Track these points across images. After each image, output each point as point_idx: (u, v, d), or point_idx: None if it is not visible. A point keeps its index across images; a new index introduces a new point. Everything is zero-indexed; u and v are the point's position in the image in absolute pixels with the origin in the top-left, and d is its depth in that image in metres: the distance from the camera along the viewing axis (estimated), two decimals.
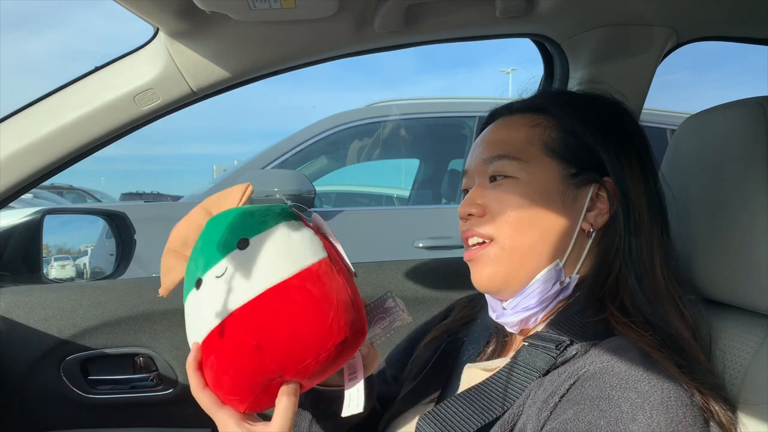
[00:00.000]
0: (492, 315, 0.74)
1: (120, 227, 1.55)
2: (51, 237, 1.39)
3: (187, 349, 1.21)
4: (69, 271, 2.00)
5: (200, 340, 0.62)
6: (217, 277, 0.62)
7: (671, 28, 1.10)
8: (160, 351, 1.23)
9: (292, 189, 2.53)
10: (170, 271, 0.72)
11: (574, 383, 0.57)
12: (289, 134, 2.96)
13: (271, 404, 0.61)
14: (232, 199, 0.68)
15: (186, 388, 1.22)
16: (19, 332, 1.17)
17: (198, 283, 0.64)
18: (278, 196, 2.52)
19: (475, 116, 2.87)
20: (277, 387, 0.60)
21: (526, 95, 0.81)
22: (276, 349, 0.58)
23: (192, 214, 0.71)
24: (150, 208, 2.77)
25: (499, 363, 0.70)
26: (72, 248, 2.16)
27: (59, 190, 6.89)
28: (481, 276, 0.71)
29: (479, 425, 0.61)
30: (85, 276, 2.55)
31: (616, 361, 0.57)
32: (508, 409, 0.61)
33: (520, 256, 0.69)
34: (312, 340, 0.58)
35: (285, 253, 0.61)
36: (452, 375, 0.79)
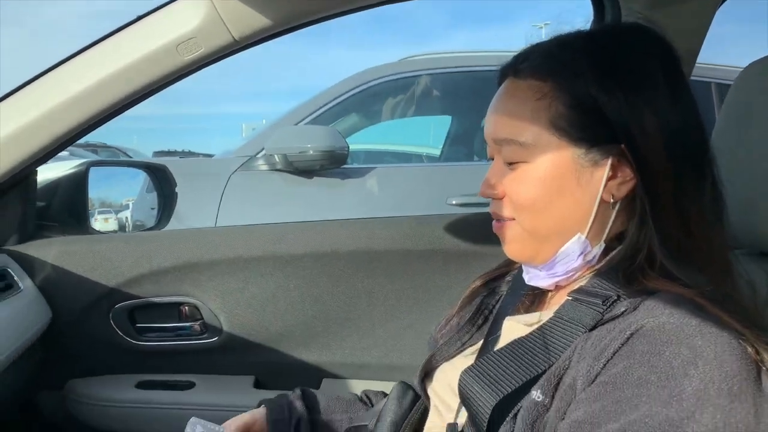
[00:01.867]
0: (525, 276, 0.74)
1: (161, 180, 1.57)
2: (94, 190, 1.42)
3: (231, 299, 1.24)
4: (111, 224, 2.04)
5: None
6: None
7: None
8: (204, 300, 1.25)
9: (325, 145, 2.52)
10: None
11: (627, 339, 0.56)
12: (317, 92, 2.93)
13: None
14: None
15: (230, 336, 1.26)
16: (70, 280, 1.21)
17: None
18: (311, 153, 2.52)
19: None
20: None
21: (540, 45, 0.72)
22: None
23: None
24: (186, 164, 2.80)
25: (540, 317, 0.69)
26: (114, 202, 2.20)
27: (94, 147, 7.00)
28: (507, 249, 0.72)
29: (524, 380, 0.60)
30: (127, 229, 2.61)
31: (668, 316, 0.56)
32: (554, 363, 0.60)
33: (541, 236, 0.68)
34: None
35: None
36: (492, 328, 0.79)
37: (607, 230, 0.68)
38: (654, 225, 0.64)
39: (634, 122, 0.64)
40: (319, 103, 2.80)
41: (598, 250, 0.68)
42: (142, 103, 1.15)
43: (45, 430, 1.32)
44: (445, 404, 0.77)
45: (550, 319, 0.65)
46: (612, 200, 0.67)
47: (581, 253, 0.67)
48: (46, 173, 1.33)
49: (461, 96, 3.16)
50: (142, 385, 1.28)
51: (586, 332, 0.60)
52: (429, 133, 3.84)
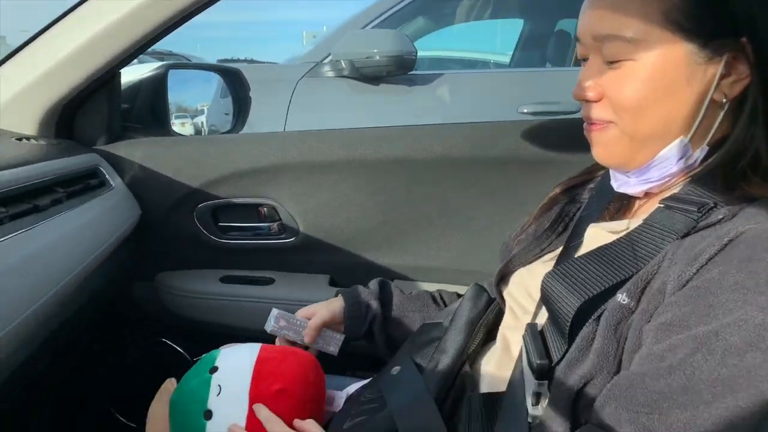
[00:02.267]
0: (613, 183, 0.72)
1: (236, 84, 1.58)
2: (171, 94, 1.45)
3: (307, 201, 1.28)
4: (188, 129, 2.10)
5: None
6: (217, 395, 0.80)
7: None
8: (282, 202, 1.29)
9: (392, 50, 2.46)
10: None
11: (724, 246, 0.55)
12: None
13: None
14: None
15: (306, 237, 1.30)
16: (156, 180, 1.26)
17: (207, 415, 0.80)
18: (378, 58, 2.47)
19: None
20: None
21: None
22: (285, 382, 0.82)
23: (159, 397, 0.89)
24: (254, 70, 2.80)
25: (628, 224, 0.68)
26: (189, 107, 2.25)
27: (160, 55, 7.08)
28: (599, 155, 0.69)
29: (610, 283, 0.60)
30: (203, 134, 2.68)
31: None
32: (642, 268, 0.60)
33: (640, 140, 0.64)
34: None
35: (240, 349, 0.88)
36: (574, 234, 0.78)
37: (712, 132, 0.64)
38: (765, 126, 0.61)
39: (763, 14, 0.60)
40: (385, 6, 2.70)
41: (700, 153, 0.65)
42: (205, 10, 1.15)
43: (139, 317, 1.43)
44: (521, 307, 0.78)
45: (640, 226, 0.64)
46: (724, 100, 0.63)
47: (681, 158, 0.64)
48: (128, 76, 1.37)
49: None
50: (226, 280, 1.36)
51: (678, 239, 0.59)
52: (498, 38, 3.67)
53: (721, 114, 0.63)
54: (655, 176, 0.66)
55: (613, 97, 0.64)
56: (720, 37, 0.61)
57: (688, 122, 0.63)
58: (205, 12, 1.15)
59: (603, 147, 0.68)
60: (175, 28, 1.16)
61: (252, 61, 5.18)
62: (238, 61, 5.14)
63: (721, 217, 0.58)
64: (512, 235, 0.90)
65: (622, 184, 0.70)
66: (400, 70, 2.50)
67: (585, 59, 0.69)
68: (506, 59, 3.29)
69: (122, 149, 1.26)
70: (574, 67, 2.62)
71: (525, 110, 2.46)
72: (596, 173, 0.85)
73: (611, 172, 0.73)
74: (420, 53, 2.56)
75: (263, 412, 0.77)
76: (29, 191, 0.91)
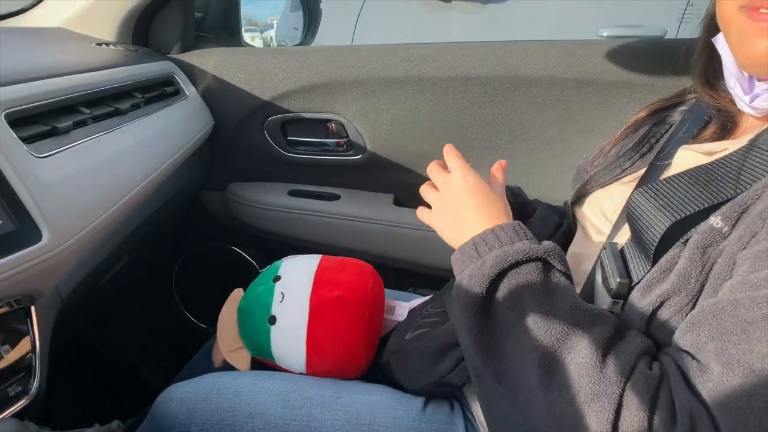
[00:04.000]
0: (741, 96, 0.64)
1: None
2: (241, 7, 1.44)
3: (375, 118, 1.26)
4: (257, 43, 2.09)
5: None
6: (280, 302, 0.85)
7: None
8: (350, 119, 1.28)
9: None
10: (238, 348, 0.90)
11: None
12: None
13: None
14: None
15: (373, 155, 1.30)
16: (228, 91, 1.28)
17: (272, 320, 0.84)
18: None
19: None
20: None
21: None
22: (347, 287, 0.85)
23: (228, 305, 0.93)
24: None
25: (727, 145, 0.63)
26: (259, 21, 2.23)
27: None
28: None
29: (705, 205, 0.56)
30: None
31: None
32: (743, 191, 0.55)
33: None
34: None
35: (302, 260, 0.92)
36: (660, 155, 0.74)
37: None
38: None
39: None
40: None
41: None
42: None
43: (210, 222, 1.49)
44: (594, 227, 0.76)
45: (744, 147, 0.59)
46: None
47: None
48: None
49: None
50: (293, 193, 1.39)
51: None
52: None
53: None
54: None
55: None
56: None
57: None
58: None
59: None
60: None
61: None
62: None
63: None
64: (589, 158, 0.86)
65: (754, 96, 0.62)
66: None
67: None
68: None
69: (195, 58, 1.27)
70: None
71: (605, 34, 2.33)
72: (687, 97, 0.80)
73: (742, 85, 0.63)
74: None
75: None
76: (110, 95, 0.94)
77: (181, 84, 1.22)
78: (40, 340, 0.71)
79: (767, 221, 0.52)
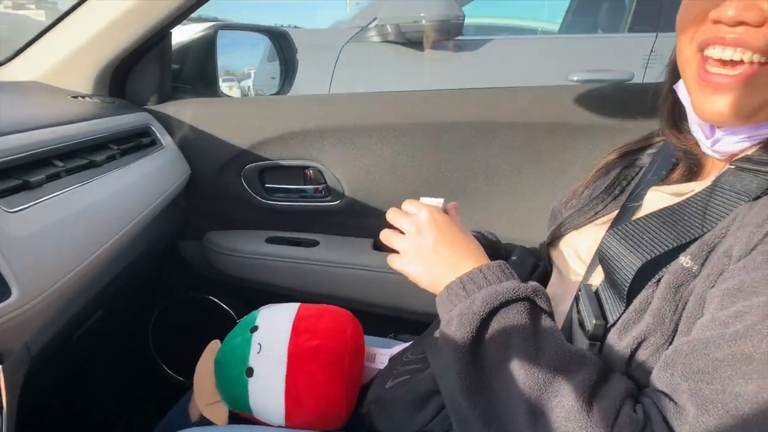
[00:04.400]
0: (703, 141, 0.65)
1: (283, 46, 1.58)
2: (219, 57, 1.46)
3: (352, 164, 1.28)
4: (235, 93, 2.12)
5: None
6: (258, 353, 0.83)
7: None
8: (328, 165, 1.29)
9: (439, 14, 2.42)
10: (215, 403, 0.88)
11: None
12: None
13: None
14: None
15: (351, 201, 1.31)
16: (205, 141, 1.28)
17: (249, 372, 0.82)
18: (425, 23, 2.43)
19: None
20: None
21: None
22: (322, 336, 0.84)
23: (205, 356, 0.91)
24: (300, 35, 2.79)
25: (694, 186, 0.65)
26: (236, 71, 2.27)
27: (205, 21, 7.16)
28: (723, 107, 0.57)
29: (674, 245, 0.58)
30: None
31: None
32: (709, 230, 0.57)
33: None
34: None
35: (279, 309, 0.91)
36: (631, 198, 0.75)
37: None
38: None
39: None
40: None
41: None
42: None
43: (187, 272, 1.47)
44: (570, 269, 0.77)
45: (708, 187, 0.60)
46: None
47: None
48: (178, 37, 1.38)
49: None
50: (271, 241, 1.38)
51: (749, 201, 0.56)
52: (547, 5, 3.57)
53: None
54: (763, 133, 0.59)
55: None
56: None
57: None
58: None
59: (729, 97, 0.57)
60: None
61: (296, 28, 5.15)
62: (282, 27, 5.15)
63: None
64: (563, 200, 0.87)
65: (715, 141, 0.63)
66: (447, 34, 2.46)
67: None
68: (554, 27, 3.20)
69: (172, 109, 1.28)
70: (628, 33, 2.52)
71: (575, 78, 2.40)
72: (655, 140, 0.82)
73: (701, 129, 0.65)
74: (470, 20, 2.51)
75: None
76: (85, 147, 0.94)
77: (158, 134, 1.22)
78: (7, 400, 0.68)
79: (733, 259, 0.53)
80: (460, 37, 2.54)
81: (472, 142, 1.25)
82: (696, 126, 0.67)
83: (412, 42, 2.49)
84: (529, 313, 0.60)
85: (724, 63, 0.57)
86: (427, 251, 0.69)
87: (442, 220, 0.71)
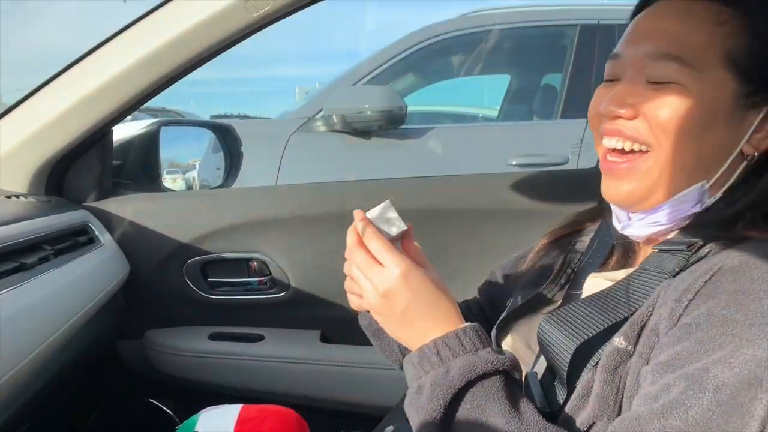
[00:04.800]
0: (617, 225, 0.70)
1: (227, 140, 1.60)
2: (162, 150, 1.47)
3: (297, 255, 1.27)
4: (180, 184, 2.12)
5: None
6: None
7: None
8: (272, 256, 1.28)
9: (382, 106, 2.51)
10: None
11: (710, 278, 0.54)
12: (373, 53, 2.89)
13: None
14: None
15: (297, 292, 1.29)
16: (146, 236, 1.26)
17: None
18: (369, 113, 2.51)
19: (576, 24, 2.68)
20: None
21: None
22: None
23: None
24: (247, 126, 2.84)
25: (626, 273, 0.67)
26: (181, 162, 2.27)
27: (154, 112, 7.18)
28: (618, 190, 0.64)
29: (605, 326, 0.59)
30: (194, 189, 2.69)
31: (758, 258, 0.54)
32: (636, 310, 0.59)
33: (670, 173, 0.62)
34: None
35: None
36: (573, 283, 0.77)
37: (729, 183, 0.63)
38: None
39: None
40: (377, 63, 2.77)
41: (712, 201, 0.63)
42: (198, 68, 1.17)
43: (125, 376, 1.40)
44: (520, 358, 0.77)
45: (634, 271, 0.63)
46: (755, 153, 0.62)
47: (696, 204, 0.63)
48: (121, 133, 1.38)
49: (522, 53, 3.07)
50: (215, 337, 1.34)
51: (669, 278, 0.59)
52: (486, 93, 3.76)
53: (742, 166, 0.63)
54: (664, 220, 0.64)
55: (653, 116, 0.61)
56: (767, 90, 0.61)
57: (714, 166, 0.62)
58: (198, 69, 1.18)
59: (627, 180, 0.64)
60: (167, 87, 1.18)
61: (245, 117, 5.25)
62: (231, 116, 5.22)
63: (708, 250, 0.58)
64: (502, 266, 0.92)
65: (625, 226, 0.68)
66: (391, 124, 2.55)
67: (612, 80, 0.67)
68: (494, 113, 3.36)
69: (112, 205, 1.26)
70: (560, 120, 2.67)
71: (513, 162, 2.50)
72: (586, 224, 0.85)
73: (615, 213, 0.70)
74: (414, 107, 2.62)
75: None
76: (16, 249, 0.90)
77: (96, 232, 1.19)
78: None
79: (660, 335, 0.55)
80: (404, 126, 2.64)
81: (418, 228, 1.26)
82: (615, 211, 0.71)
83: (358, 131, 2.57)
84: (505, 386, 0.58)
85: (617, 152, 0.64)
86: (396, 317, 0.63)
87: (416, 280, 0.63)
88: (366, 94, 2.56)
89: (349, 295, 0.73)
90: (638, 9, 0.69)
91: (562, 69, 2.77)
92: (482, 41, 2.96)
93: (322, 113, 2.60)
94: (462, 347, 0.60)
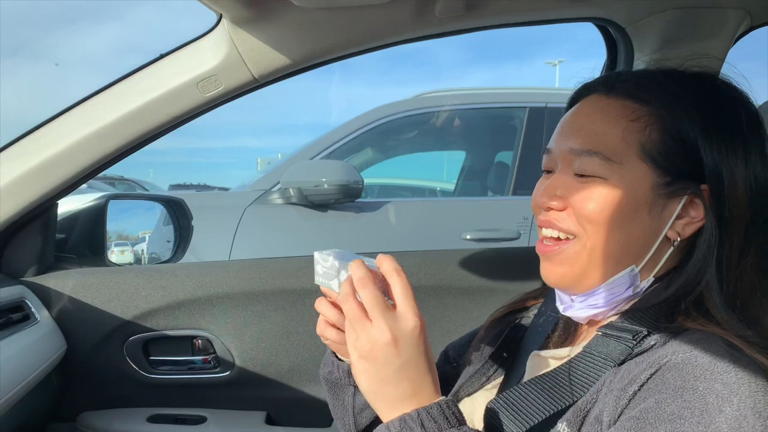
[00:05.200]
0: (559, 306, 0.72)
1: (178, 213, 1.59)
2: (111, 223, 1.44)
3: (244, 332, 1.24)
4: (128, 257, 2.07)
5: None
6: None
7: (744, 10, 1.06)
8: (217, 334, 1.25)
9: (339, 180, 2.55)
10: None
11: (655, 372, 0.56)
12: (334, 127, 2.97)
13: None
14: None
15: (242, 371, 1.25)
16: (86, 312, 1.21)
17: None
18: (326, 187, 2.55)
19: (525, 107, 2.82)
20: None
21: (623, 73, 0.73)
22: None
23: None
24: (202, 197, 2.83)
25: (569, 352, 0.69)
26: (131, 234, 2.23)
27: (111, 180, 7.11)
28: (552, 273, 0.69)
29: (551, 412, 0.60)
30: (142, 262, 2.64)
31: (701, 352, 0.56)
32: (581, 397, 0.60)
33: (598, 258, 0.66)
34: None
35: None
36: (516, 361, 0.78)
37: (659, 266, 0.67)
38: (716, 268, 0.64)
39: (727, 169, 0.64)
40: (335, 138, 2.84)
41: (645, 284, 0.67)
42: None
43: None
44: None
45: (579, 353, 0.64)
46: (678, 238, 0.66)
47: (629, 287, 0.66)
48: (67, 206, 1.36)
49: (475, 132, 3.19)
50: (154, 419, 1.27)
51: (615, 366, 0.60)
52: (443, 167, 3.86)
53: (670, 251, 0.67)
54: (601, 302, 0.67)
55: (580, 208, 0.66)
56: (685, 179, 0.65)
57: (642, 252, 0.66)
58: (160, 139, 1.18)
59: (558, 264, 0.68)
60: (117, 162, 1.18)
61: (205, 187, 5.23)
62: (190, 186, 5.21)
63: (653, 343, 0.60)
64: (452, 345, 0.91)
65: (567, 307, 0.71)
66: (347, 197, 2.59)
67: (550, 171, 0.71)
68: (452, 187, 3.45)
69: (52, 281, 1.22)
70: (512, 196, 2.75)
71: (468, 236, 2.54)
72: (529, 302, 0.86)
73: (557, 295, 0.73)
74: (371, 180, 2.66)
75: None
76: None
77: (33, 309, 1.15)
78: None
79: (603, 424, 0.56)
80: (360, 199, 2.67)
81: None
82: (557, 292, 0.73)
83: (315, 204, 2.59)
84: None
85: (551, 237, 0.69)
86: (391, 370, 0.59)
87: (424, 338, 0.60)
88: (323, 168, 2.61)
89: (324, 336, 0.75)
90: (568, 106, 0.75)
91: (513, 147, 2.90)
92: (438, 119, 3.08)
93: (279, 186, 2.62)
94: (447, 421, 0.58)
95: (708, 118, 0.66)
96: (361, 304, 0.60)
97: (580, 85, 0.75)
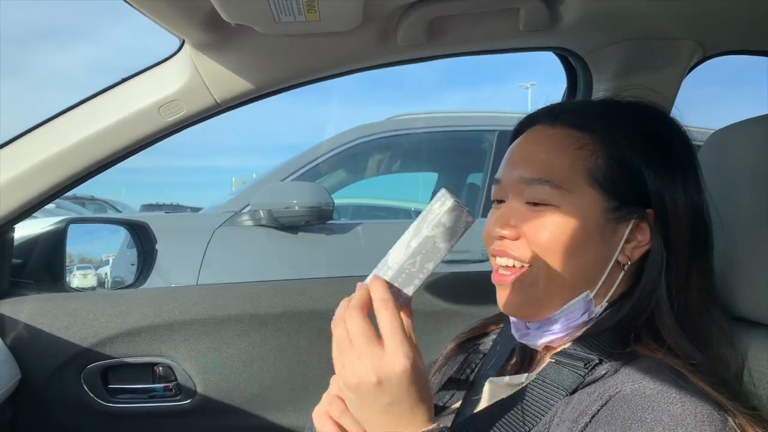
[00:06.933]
0: (515, 334, 0.73)
1: (142, 237, 1.57)
2: (74, 246, 1.42)
3: (206, 359, 1.22)
4: (91, 280, 2.03)
5: None
6: None
7: (696, 42, 1.09)
8: (179, 361, 1.23)
9: (311, 202, 2.54)
10: None
11: (605, 403, 0.57)
12: (308, 148, 2.97)
13: None
14: None
15: (204, 399, 1.23)
16: (42, 340, 1.18)
17: None
18: (297, 209, 2.54)
19: (494, 130, 2.86)
20: None
21: (565, 102, 0.76)
22: None
23: None
24: (171, 219, 2.79)
25: (524, 379, 0.69)
26: (94, 257, 2.19)
27: (81, 200, 6.98)
28: (509, 302, 0.69)
29: None
30: (106, 285, 2.59)
31: (649, 382, 0.57)
32: (533, 427, 0.60)
33: (554, 286, 0.67)
34: None
35: None
36: (473, 387, 0.78)
37: (612, 290, 0.68)
38: (666, 290, 0.65)
39: (669, 193, 0.67)
40: (306, 160, 2.84)
41: (600, 309, 0.68)
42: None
43: None
44: None
45: (532, 381, 0.65)
46: (628, 262, 0.68)
47: (584, 312, 0.67)
48: (25, 230, 1.33)
49: (446, 154, 3.22)
50: None
51: (567, 395, 0.60)
52: (418, 188, 3.88)
53: (621, 275, 0.68)
54: (557, 328, 0.68)
55: (533, 237, 0.66)
56: (631, 204, 0.67)
57: (595, 277, 0.67)
58: (132, 158, 1.16)
59: (513, 292, 0.68)
60: (77, 186, 1.16)
61: (178, 206, 5.16)
62: (163, 206, 5.13)
63: (604, 372, 0.60)
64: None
65: (522, 335, 0.71)
66: (318, 219, 2.58)
67: (500, 201, 0.72)
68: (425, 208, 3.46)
69: (7, 307, 1.19)
70: (482, 218, 2.77)
71: None
72: (490, 327, 0.87)
73: (512, 323, 0.74)
74: (344, 200, 2.65)
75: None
76: None
77: None
78: None
79: None
80: (332, 221, 2.67)
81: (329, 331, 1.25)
82: (512, 320, 0.73)
83: (285, 227, 2.57)
84: None
85: (504, 267, 0.69)
86: (378, 405, 0.57)
87: (416, 375, 0.56)
88: (294, 189, 2.60)
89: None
90: (513, 136, 0.77)
91: (483, 169, 2.93)
92: (409, 142, 3.11)
93: (249, 208, 2.60)
94: None
95: (648, 144, 0.69)
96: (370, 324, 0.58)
97: (524, 117, 0.77)
